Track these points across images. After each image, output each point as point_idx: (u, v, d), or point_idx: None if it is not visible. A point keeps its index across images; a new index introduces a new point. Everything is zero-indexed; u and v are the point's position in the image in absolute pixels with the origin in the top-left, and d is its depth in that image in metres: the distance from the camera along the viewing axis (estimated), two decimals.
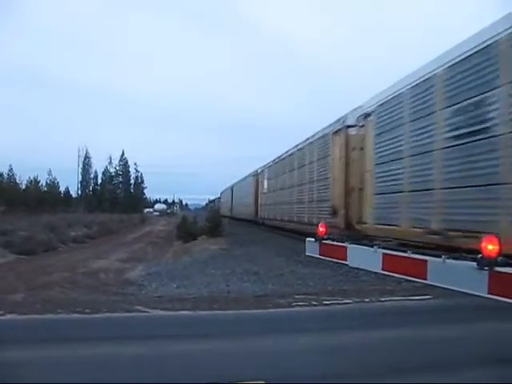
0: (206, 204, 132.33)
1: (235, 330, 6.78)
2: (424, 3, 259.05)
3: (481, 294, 4.94)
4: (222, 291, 9.84)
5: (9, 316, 7.46)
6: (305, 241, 9.01)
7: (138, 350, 5.52)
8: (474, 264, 4.88)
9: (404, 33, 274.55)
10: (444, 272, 5.53)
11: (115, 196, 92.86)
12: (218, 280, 11.21)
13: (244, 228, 34.89)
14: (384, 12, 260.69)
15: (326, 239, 8.27)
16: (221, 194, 63.89)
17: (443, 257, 5.55)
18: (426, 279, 5.86)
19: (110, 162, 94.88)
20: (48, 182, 79.99)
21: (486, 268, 4.71)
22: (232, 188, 48.56)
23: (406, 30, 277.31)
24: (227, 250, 18.31)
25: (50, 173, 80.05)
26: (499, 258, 4.68)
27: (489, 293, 4.83)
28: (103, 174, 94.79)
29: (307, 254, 8.98)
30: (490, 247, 4.78)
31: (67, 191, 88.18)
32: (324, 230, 8.31)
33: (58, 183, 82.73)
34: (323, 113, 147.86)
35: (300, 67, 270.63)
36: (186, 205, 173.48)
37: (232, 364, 5.06)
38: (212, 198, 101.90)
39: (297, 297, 9.07)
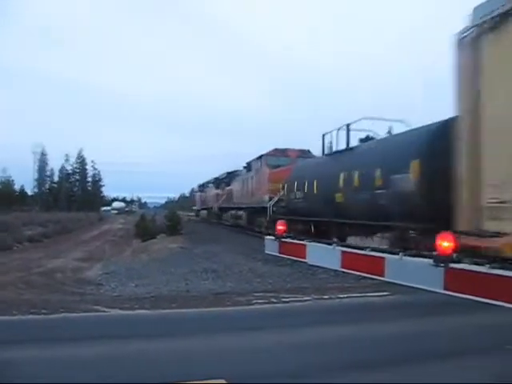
0: (166, 202, 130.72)
1: (194, 329, 6.72)
2: None
3: (437, 290, 5.07)
4: (181, 289, 9.78)
5: None
6: (264, 239, 9.05)
7: (95, 350, 5.40)
8: (431, 261, 5.00)
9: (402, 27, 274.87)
10: (401, 269, 5.65)
11: (72, 194, 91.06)
12: (177, 278, 11.13)
13: (204, 227, 34.76)
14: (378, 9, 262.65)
15: (285, 237, 8.32)
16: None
17: (400, 254, 5.66)
18: (383, 276, 5.96)
19: (67, 160, 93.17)
20: (2, 179, 78.08)
21: (442, 265, 4.83)
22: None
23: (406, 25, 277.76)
24: (186, 249, 18.25)
25: (4, 171, 78.19)
26: (454, 255, 4.81)
27: (444, 289, 4.96)
28: (60, 171, 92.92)
29: (266, 252, 9.02)
30: (446, 244, 4.90)
31: (22, 189, 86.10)
32: (283, 228, 8.34)
33: (12, 181, 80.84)
34: (297, 116, 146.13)
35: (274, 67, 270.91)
36: (145, 203, 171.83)
37: (192, 362, 5.00)
38: (172, 196, 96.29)
39: (256, 294, 9.07)
